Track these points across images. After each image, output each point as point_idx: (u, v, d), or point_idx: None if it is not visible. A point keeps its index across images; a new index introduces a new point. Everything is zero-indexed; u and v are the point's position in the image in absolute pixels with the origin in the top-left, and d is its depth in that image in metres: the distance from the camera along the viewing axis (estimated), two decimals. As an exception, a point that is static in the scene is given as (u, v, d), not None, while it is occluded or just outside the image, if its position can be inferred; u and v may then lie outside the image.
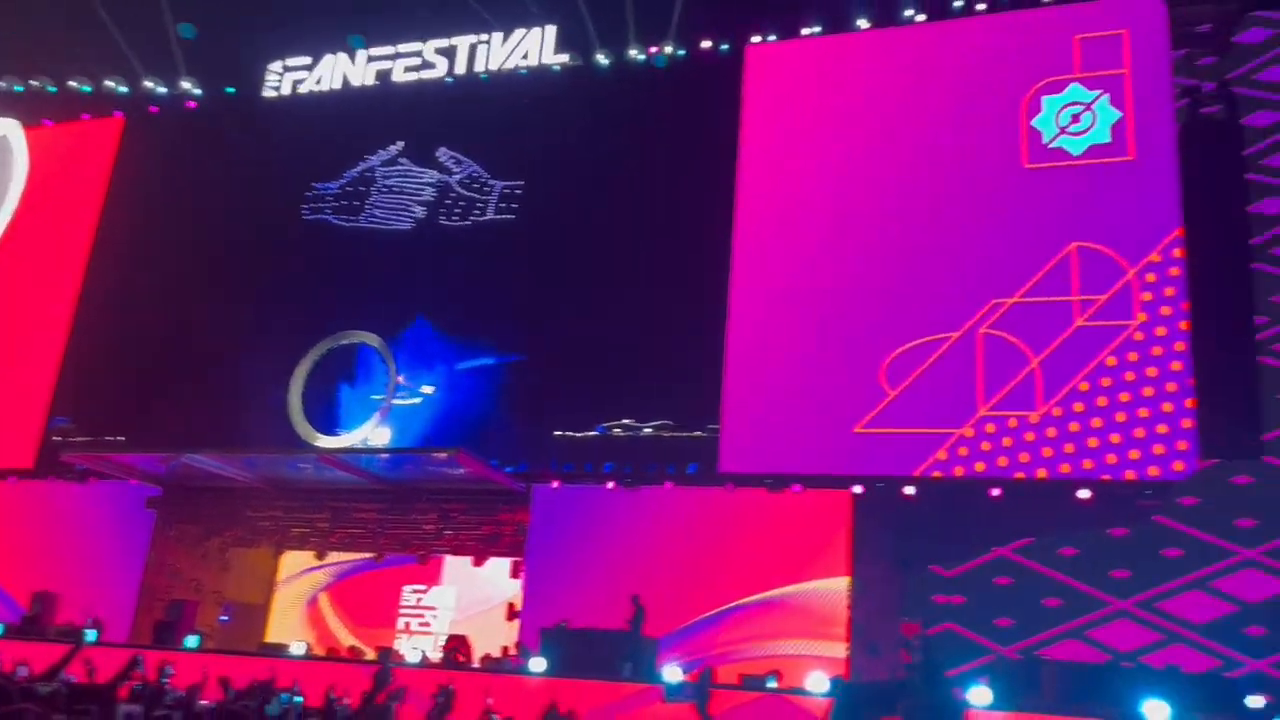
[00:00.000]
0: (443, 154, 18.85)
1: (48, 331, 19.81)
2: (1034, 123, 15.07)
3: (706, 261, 16.17)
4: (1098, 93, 14.87)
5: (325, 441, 17.58)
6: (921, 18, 16.28)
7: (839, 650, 14.01)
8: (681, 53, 17.99)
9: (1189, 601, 13.70)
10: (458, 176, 18.68)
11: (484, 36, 19.26)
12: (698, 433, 15.72)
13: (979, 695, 11.13)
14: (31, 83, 21.85)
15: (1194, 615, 13.60)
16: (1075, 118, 14.90)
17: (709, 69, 17.62)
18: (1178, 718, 10.94)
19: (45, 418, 19.24)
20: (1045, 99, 15.11)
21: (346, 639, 17.85)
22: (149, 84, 21.16)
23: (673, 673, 12.00)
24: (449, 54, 19.51)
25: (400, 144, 19.23)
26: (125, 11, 20.24)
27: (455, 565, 17.88)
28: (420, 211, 18.79)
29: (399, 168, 19.15)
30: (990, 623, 14.45)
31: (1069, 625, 14.17)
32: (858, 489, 14.63)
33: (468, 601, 17.74)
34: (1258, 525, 13.74)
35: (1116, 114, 14.72)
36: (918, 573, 14.89)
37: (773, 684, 12.02)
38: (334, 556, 18.56)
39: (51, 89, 21.80)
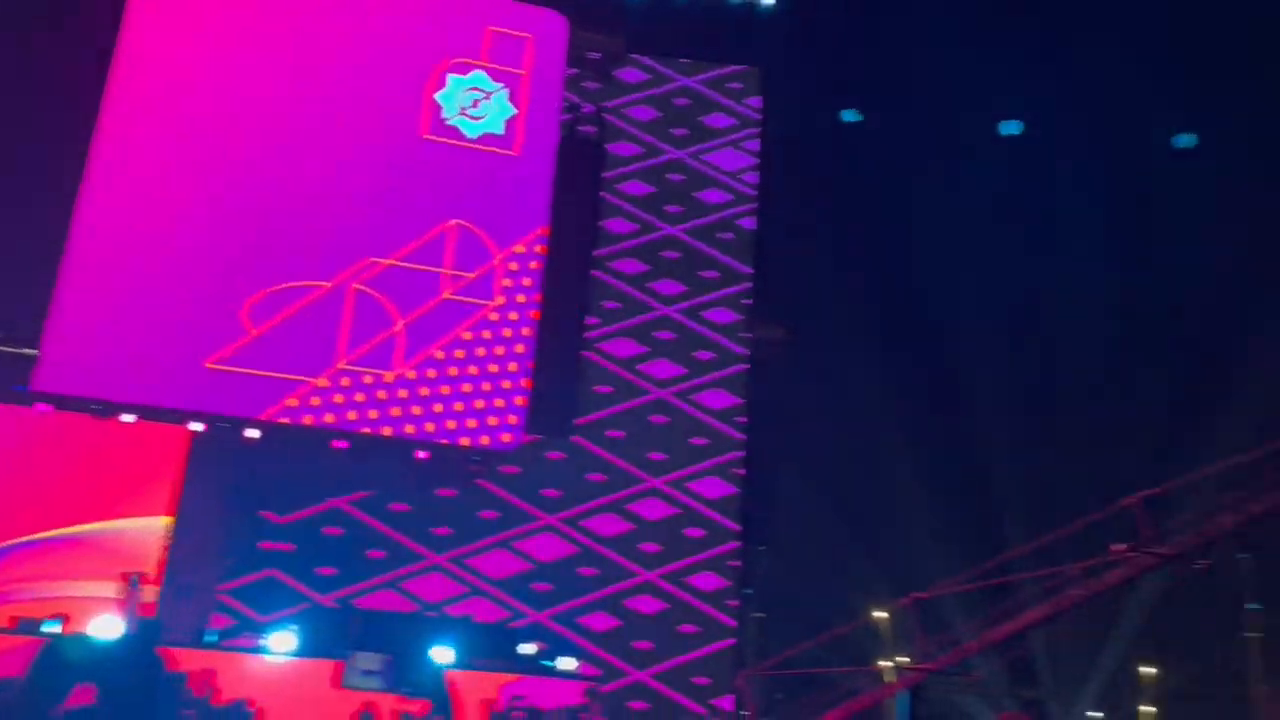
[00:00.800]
0: None
1: None
2: (437, 96, 15.60)
3: (62, 153, 14.03)
4: (499, 86, 15.88)
5: None
6: (351, -39, 15.89)
7: (148, 594, 13.04)
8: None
9: (493, 559, 15.23)
10: None
11: None
12: (28, 350, 13.59)
13: (279, 641, 11.18)
14: None
15: (494, 571, 15.16)
16: (475, 103, 15.74)
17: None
18: (462, 661, 12.09)
19: None
20: (451, 77, 15.72)
21: None
22: None
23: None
24: None
25: None
26: None
27: None
28: None
29: None
30: (313, 571, 14.61)
31: (388, 576, 14.89)
32: (198, 426, 13.82)
33: None
34: (561, 496, 15.75)
35: (512, 110, 15.85)
36: (248, 518, 14.52)
37: (54, 627, 10.81)
38: None
39: None
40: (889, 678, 14.34)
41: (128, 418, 13.58)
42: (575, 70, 16.88)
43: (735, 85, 17.78)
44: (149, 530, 13.21)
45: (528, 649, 13.22)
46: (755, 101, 17.74)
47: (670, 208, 17.20)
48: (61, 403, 13.50)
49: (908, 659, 14.05)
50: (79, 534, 13.03)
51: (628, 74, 17.58)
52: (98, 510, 13.10)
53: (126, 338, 13.66)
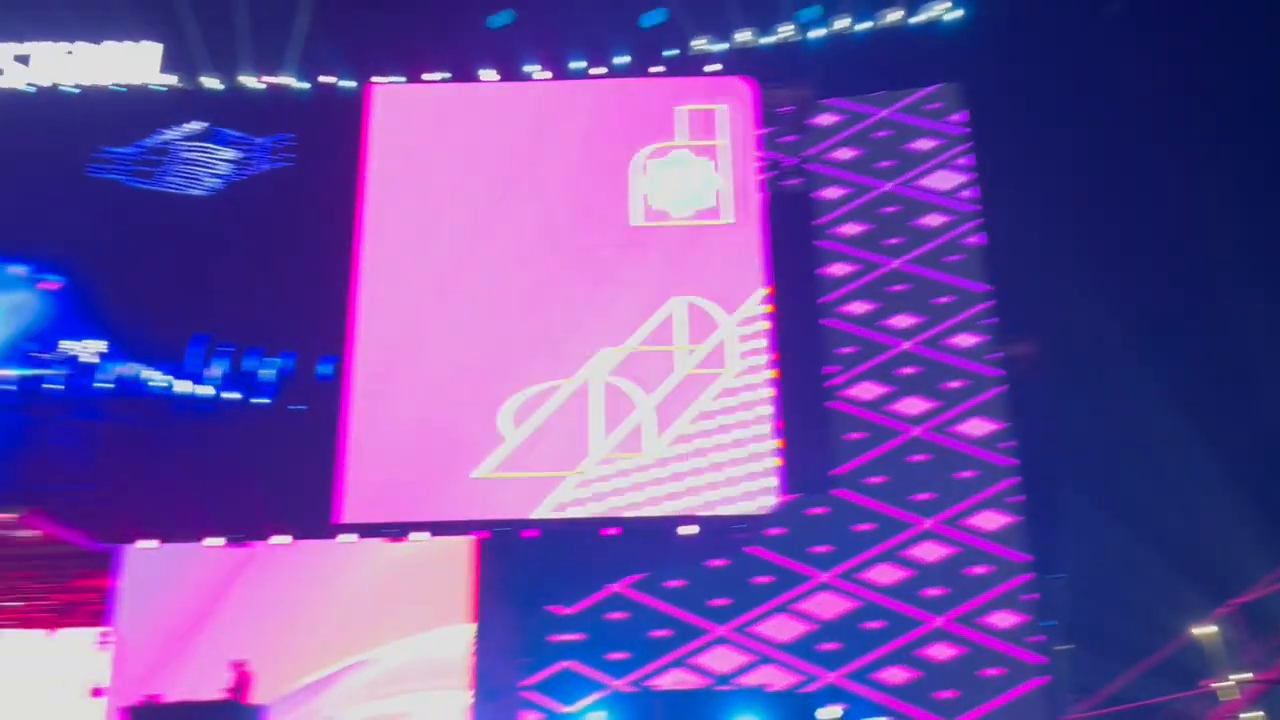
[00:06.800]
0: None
1: None
2: (642, 183, 16.16)
3: (327, 307, 15.67)
4: (702, 160, 16.27)
5: None
6: (544, 74, 16.89)
7: (462, 700, 13.81)
8: (305, 85, 17.33)
9: (775, 623, 15.10)
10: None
11: (68, 46, 17.29)
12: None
13: (593, 730, 11.47)
14: None
15: (779, 636, 15.01)
16: (679, 181, 16.17)
17: (331, 103, 17.12)
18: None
19: None
20: (651, 163, 16.28)
21: None
22: None
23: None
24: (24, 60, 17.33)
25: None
26: None
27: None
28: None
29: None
30: (605, 657, 15.01)
31: (675, 654, 15.06)
32: (478, 535, 14.65)
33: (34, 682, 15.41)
34: (832, 551, 15.47)
35: (718, 181, 16.17)
36: (537, 614, 15.15)
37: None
38: None
39: None
40: (1227, 696, 13.05)
41: (419, 536, 14.59)
42: (770, 128, 16.99)
43: (935, 105, 17.30)
44: (456, 638, 14.04)
45: (831, 713, 12.92)
46: (959, 117, 17.18)
47: (889, 240, 16.82)
48: (358, 531, 14.71)
49: (1246, 673, 12.77)
50: (395, 650, 14.04)
51: (822, 120, 17.49)
52: (407, 626, 14.07)
53: (405, 463, 14.83)
